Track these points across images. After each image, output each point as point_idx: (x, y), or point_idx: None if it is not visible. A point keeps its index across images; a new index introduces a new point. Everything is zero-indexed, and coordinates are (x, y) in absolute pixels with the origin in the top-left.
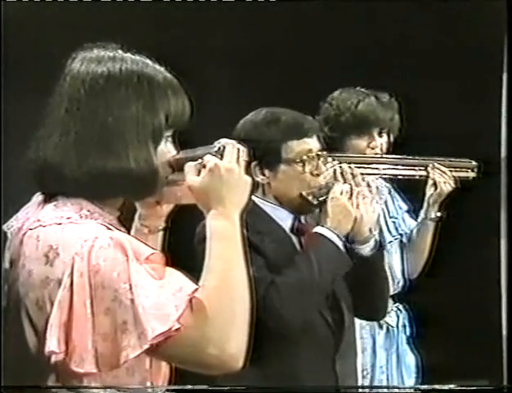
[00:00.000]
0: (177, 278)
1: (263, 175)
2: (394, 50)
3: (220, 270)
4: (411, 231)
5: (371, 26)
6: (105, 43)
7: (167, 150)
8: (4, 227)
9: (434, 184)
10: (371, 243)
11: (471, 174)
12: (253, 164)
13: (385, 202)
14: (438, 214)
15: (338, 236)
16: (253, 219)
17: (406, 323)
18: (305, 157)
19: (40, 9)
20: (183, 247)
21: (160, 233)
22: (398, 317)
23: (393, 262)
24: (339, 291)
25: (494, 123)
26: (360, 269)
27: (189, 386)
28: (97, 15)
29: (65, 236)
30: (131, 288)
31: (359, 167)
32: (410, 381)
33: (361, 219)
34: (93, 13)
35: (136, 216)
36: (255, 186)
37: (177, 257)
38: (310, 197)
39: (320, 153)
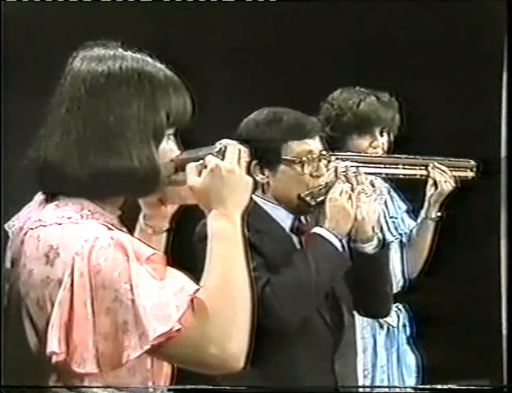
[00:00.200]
0: (178, 278)
1: (263, 174)
2: (394, 50)
3: (221, 270)
4: (411, 230)
5: (371, 26)
6: (105, 42)
7: (169, 148)
8: (6, 226)
9: (435, 184)
10: (375, 242)
11: (470, 174)
12: (253, 163)
13: (385, 202)
14: (439, 213)
15: (336, 236)
16: (252, 218)
17: (407, 323)
18: (305, 158)
19: (40, 9)
20: (185, 247)
21: (164, 234)
22: (399, 317)
23: (393, 262)
24: (339, 291)
25: (494, 123)
26: (364, 268)
27: (190, 386)
28: (97, 15)
29: (65, 236)
30: (132, 288)
31: (361, 166)
32: (410, 380)
33: (362, 219)
34: (93, 13)
35: (141, 216)
36: (256, 185)
37: (178, 257)
38: (308, 198)
39: (321, 154)
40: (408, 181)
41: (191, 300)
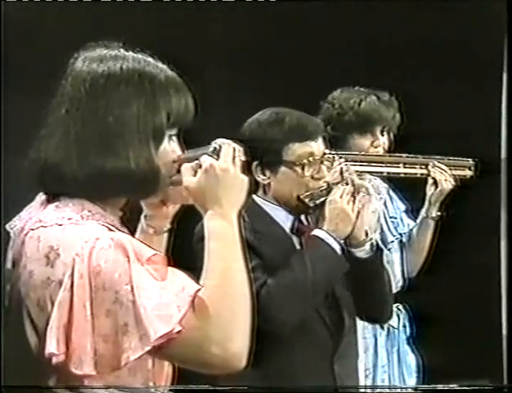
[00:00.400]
0: (179, 279)
1: (264, 175)
2: (394, 50)
3: (220, 270)
4: (411, 230)
5: (371, 26)
6: (107, 42)
7: (171, 149)
8: (7, 226)
9: (435, 183)
10: (366, 247)
11: (468, 173)
12: (255, 163)
13: (384, 202)
14: (439, 212)
15: (335, 239)
16: (253, 218)
17: (407, 323)
18: (305, 161)
19: (40, 9)
20: (186, 248)
21: (165, 235)
22: (399, 317)
23: (393, 262)
24: (340, 292)
25: (494, 123)
26: (357, 272)
27: (191, 386)
28: (97, 15)
29: (65, 237)
30: (132, 290)
31: (362, 165)
32: (411, 380)
33: (356, 223)
34: (93, 13)
35: (142, 216)
36: (257, 185)
37: (180, 257)
38: (307, 199)
39: (323, 157)
40: (407, 180)
41: (192, 300)
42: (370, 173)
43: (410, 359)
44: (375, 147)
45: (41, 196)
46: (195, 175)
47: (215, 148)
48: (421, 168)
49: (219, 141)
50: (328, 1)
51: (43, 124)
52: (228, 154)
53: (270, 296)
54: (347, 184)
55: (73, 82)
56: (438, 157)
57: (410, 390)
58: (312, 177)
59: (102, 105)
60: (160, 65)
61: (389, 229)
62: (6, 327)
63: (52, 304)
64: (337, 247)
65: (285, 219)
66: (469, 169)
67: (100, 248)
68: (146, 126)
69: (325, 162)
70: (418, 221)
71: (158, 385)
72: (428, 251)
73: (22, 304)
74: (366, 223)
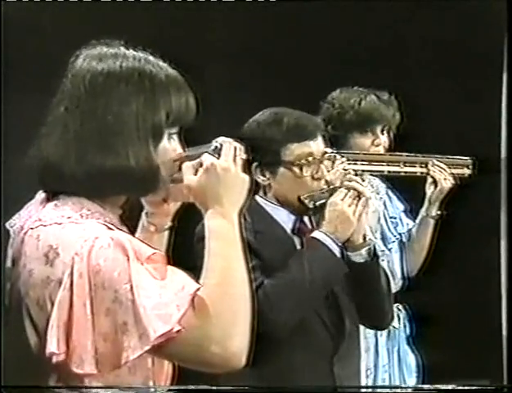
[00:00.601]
0: (179, 277)
1: (264, 176)
2: (394, 50)
3: (220, 268)
4: (410, 229)
5: (371, 26)
6: (109, 40)
7: (171, 148)
8: (7, 224)
9: (434, 182)
10: (363, 252)
11: (467, 171)
12: (254, 164)
13: (384, 203)
14: (439, 211)
15: (334, 241)
16: (254, 218)
17: (407, 323)
18: (304, 161)
19: (40, 9)
20: (187, 246)
21: (166, 233)
22: (399, 317)
23: (393, 262)
24: (340, 295)
25: (494, 123)
26: (353, 277)
27: (191, 386)
28: (97, 15)
29: (64, 236)
30: (132, 289)
31: (363, 164)
32: (411, 380)
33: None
34: (93, 13)
35: (143, 214)
36: (258, 186)
37: (180, 256)
38: (307, 201)
39: (323, 156)
40: (406, 180)
41: (192, 299)
42: (371, 172)
43: (411, 358)
44: (376, 146)
45: (40, 194)
46: (195, 174)
47: (216, 147)
48: (421, 167)
49: (220, 139)
50: (328, 1)
51: (44, 122)
52: (229, 153)
53: (266, 298)
54: (349, 190)
55: (73, 80)
56: (438, 156)
57: (410, 390)
58: (312, 177)
59: (101, 103)
60: (161, 63)
61: (389, 229)
62: (7, 326)
63: (52, 304)
64: (335, 249)
65: (286, 220)
66: (468, 167)
67: (99, 247)
68: (145, 124)
69: (325, 162)
70: (418, 220)
71: (158, 384)
72: (428, 251)
73: (22, 303)
74: (365, 227)
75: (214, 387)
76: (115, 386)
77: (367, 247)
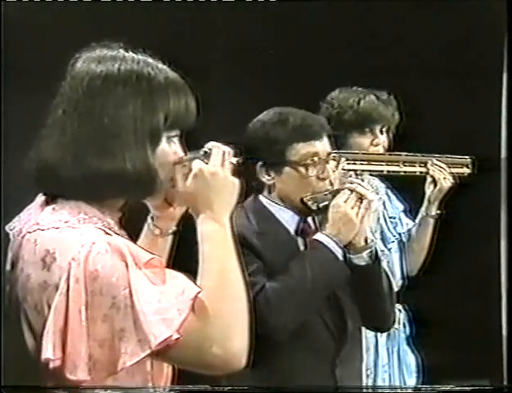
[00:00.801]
0: (178, 281)
1: (268, 176)
2: (394, 50)
3: (216, 271)
4: (411, 229)
5: (371, 26)
6: (108, 43)
7: (171, 151)
8: (7, 227)
9: (434, 181)
10: (364, 255)
11: (466, 170)
12: (259, 164)
13: (383, 203)
14: (438, 211)
15: (337, 243)
16: (257, 218)
17: (406, 323)
18: (309, 161)
19: (40, 9)
20: (190, 250)
21: (170, 237)
22: (399, 317)
23: (393, 262)
24: (342, 295)
25: (494, 122)
26: (355, 279)
27: (190, 387)
28: (97, 16)
29: (61, 240)
30: (131, 294)
31: (362, 164)
32: (411, 380)
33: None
34: (93, 13)
35: (149, 217)
36: (262, 185)
37: (183, 259)
38: (310, 202)
39: (328, 157)
40: (405, 180)
41: (193, 303)
42: (370, 171)
43: (410, 359)
44: (375, 146)
45: (40, 198)
46: (186, 179)
47: (205, 152)
48: (420, 166)
49: (210, 144)
50: (328, 1)
51: (44, 123)
52: (217, 157)
53: (268, 301)
54: (351, 192)
55: (71, 82)
56: (437, 155)
57: (410, 390)
58: (318, 177)
59: (99, 105)
60: (160, 66)
61: (389, 229)
62: (6, 328)
63: (49, 308)
64: (338, 252)
65: (290, 221)
66: (467, 166)
67: (96, 253)
68: (143, 127)
69: (331, 162)
70: (417, 220)
71: (157, 386)
72: (428, 250)
73: (20, 307)
74: (367, 229)
75: (214, 387)
76: (115, 386)
77: (369, 250)
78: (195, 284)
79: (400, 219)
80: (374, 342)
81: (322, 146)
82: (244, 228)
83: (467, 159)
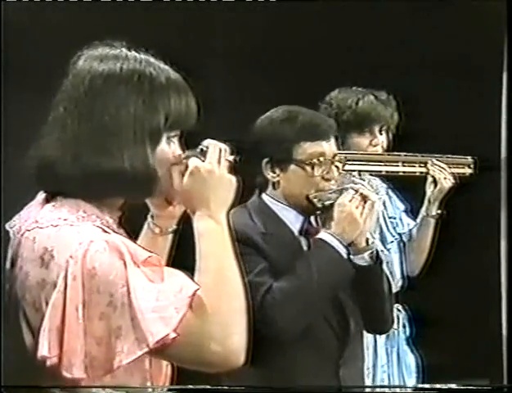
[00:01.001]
0: (176, 279)
1: (274, 173)
2: (394, 49)
3: (213, 269)
4: (411, 229)
5: (371, 26)
6: (111, 41)
7: (171, 151)
8: (7, 225)
9: (434, 181)
10: (365, 256)
11: (468, 171)
12: (265, 160)
13: (384, 203)
14: (439, 211)
15: (341, 242)
16: (261, 219)
17: (406, 323)
18: (316, 160)
19: (40, 9)
20: (189, 248)
21: (170, 235)
22: (398, 317)
23: (393, 262)
24: (345, 296)
25: (494, 122)
26: (356, 280)
27: (190, 387)
28: (97, 16)
29: (60, 238)
30: (128, 292)
31: (361, 164)
32: (410, 380)
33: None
34: (93, 13)
35: (149, 216)
36: (267, 182)
37: (183, 259)
38: (315, 200)
39: (334, 158)
40: (406, 180)
41: (191, 301)
42: (370, 172)
43: (410, 359)
44: (374, 146)
45: (40, 195)
46: (182, 177)
47: (202, 150)
48: (420, 166)
49: (206, 142)
50: (328, 1)
51: (44, 121)
52: (214, 155)
53: (275, 303)
54: (356, 192)
55: (73, 80)
56: (437, 155)
57: (409, 390)
58: (323, 177)
59: (99, 104)
60: (162, 66)
61: (388, 229)
62: (6, 326)
63: (47, 306)
64: (342, 251)
65: (294, 220)
66: (469, 166)
67: (94, 251)
68: (143, 127)
69: (336, 163)
70: (418, 220)
71: (156, 385)
72: (429, 250)
73: (19, 305)
74: (369, 229)
75: (214, 387)
76: (115, 386)
77: (370, 251)
78: (194, 282)
79: (401, 219)
80: (373, 342)
81: (329, 146)
82: (248, 228)
83: (467, 159)
